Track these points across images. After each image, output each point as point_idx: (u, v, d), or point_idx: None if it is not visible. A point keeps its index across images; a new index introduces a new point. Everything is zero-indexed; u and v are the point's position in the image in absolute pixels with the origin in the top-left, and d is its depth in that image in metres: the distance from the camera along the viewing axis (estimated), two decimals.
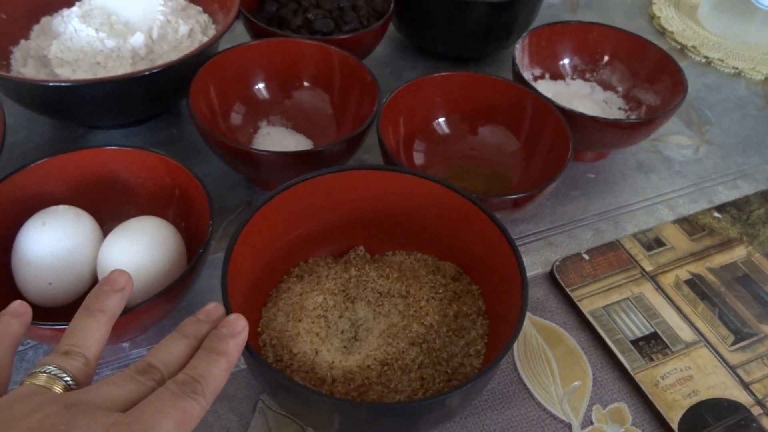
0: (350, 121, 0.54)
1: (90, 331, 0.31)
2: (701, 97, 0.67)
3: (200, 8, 0.61)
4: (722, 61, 0.70)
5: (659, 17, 0.76)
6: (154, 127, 0.58)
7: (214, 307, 0.33)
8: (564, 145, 0.49)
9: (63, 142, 0.56)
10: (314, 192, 0.42)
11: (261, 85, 0.56)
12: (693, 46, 0.72)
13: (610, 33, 0.61)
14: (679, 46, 0.73)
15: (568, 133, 0.49)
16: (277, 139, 0.55)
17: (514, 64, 0.56)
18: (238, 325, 0.32)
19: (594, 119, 0.51)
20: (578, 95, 0.62)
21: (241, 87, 0.55)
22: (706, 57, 0.71)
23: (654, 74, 0.59)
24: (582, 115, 0.51)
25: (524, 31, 0.66)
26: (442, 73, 0.53)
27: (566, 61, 0.63)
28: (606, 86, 0.62)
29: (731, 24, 0.72)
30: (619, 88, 0.62)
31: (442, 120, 0.55)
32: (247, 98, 0.55)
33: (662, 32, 0.75)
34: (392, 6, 0.60)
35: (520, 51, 0.58)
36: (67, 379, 0.28)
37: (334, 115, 0.56)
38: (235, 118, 0.55)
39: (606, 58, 0.62)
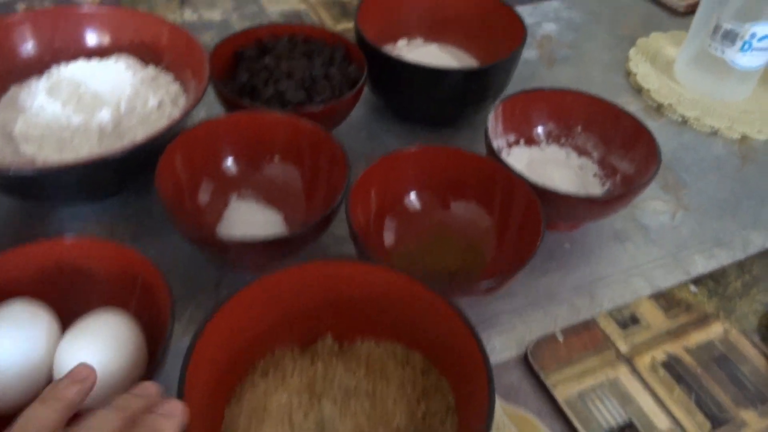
0: (321, 195, 0.54)
1: (41, 419, 0.29)
2: (678, 157, 0.67)
3: (172, 76, 0.61)
4: (698, 119, 0.70)
5: (635, 74, 0.76)
6: (123, 200, 0.57)
7: (150, 385, 0.33)
8: (536, 223, 0.48)
9: (27, 217, 0.54)
10: (283, 283, 0.41)
11: (230, 160, 0.55)
12: (669, 105, 0.72)
13: (583, 100, 0.60)
14: (655, 105, 0.73)
15: (540, 214, 0.48)
16: (247, 214, 0.54)
17: (486, 136, 0.56)
18: (176, 407, 0.31)
19: (566, 197, 0.51)
20: (553, 161, 0.62)
21: (211, 162, 0.54)
22: (682, 116, 0.71)
23: (628, 142, 0.58)
24: (554, 193, 0.50)
25: (500, 93, 0.66)
26: (412, 149, 0.53)
27: (541, 127, 0.62)
28: (581, 152, 0.62)
29: (707, 81, 0.72)
30: (594, 154, 0.61)
31: (413, 195, 0.54)
32: (217, 173, 0.54)
33: (639, 90, 0.75)
34: (365, 73, 0.60)
35: (492, 120, 0.58)
36: None
37: (305, 189, 0.55)
38: (204, 194, 0.54)
39: (580, 124, 0.61)
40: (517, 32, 0.65)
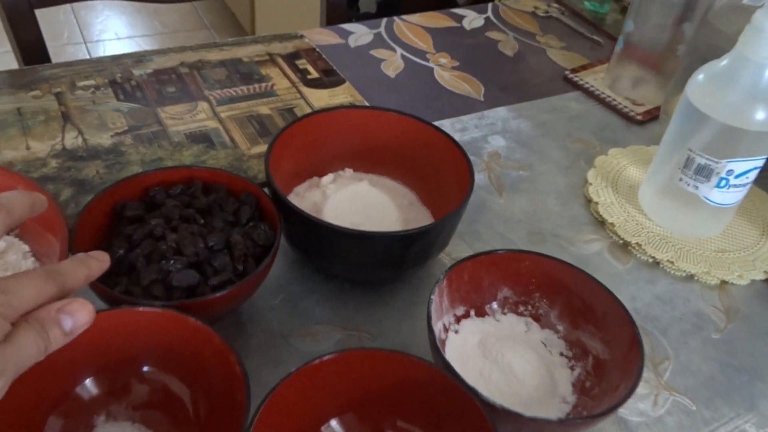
0: (216, 420, 0.41)
1: None
2: (653, 315, 0.57)
3: (26, 248, 0.47)
4: (672, 263, 0.61)
5: (596, 203, 0.67)
6: None
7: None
8: None
9: None
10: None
11: (88, 382, 0.42)
12: (637, 243, 0.62)
13: (543, 264, 0.50)
14: (621, 242, 0.63)
15: None
16: None
17: (429, 322, 0.44)
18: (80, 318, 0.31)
19: (532, 420, 0.39)
20: (511, 337, 0.51)
21: (59, 388, 0.41)
22: (653, 257, 0.62)
23: (600, 319, 0.48)
24: (518, 415, 0.39)
25: (445, 246, 0.55)
26: (332, 357, 0.40)
27: (495, 295, 0.51)
28: (544, 324, 0.51)
29: (678, 216, 0.63)
30: (560, 327, 0.51)
31: (335, 423, 0.42)
32: (67, 401, 0.41)
33: (602, 221, 0.66)
34: (278, 239, 0.48)
35: (437, 299, 0.46)
36: None
37: (193, 410, 0.42)
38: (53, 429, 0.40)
39: (540, 292, 0.51)
40: (461, 165, 0.55)
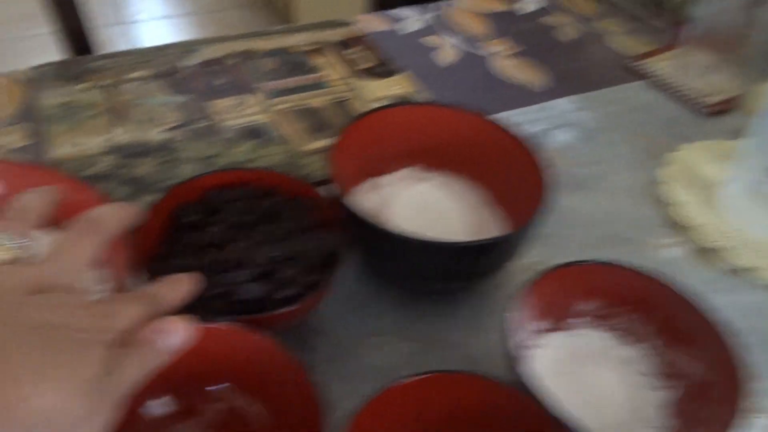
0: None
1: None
2: (739, 329, 0.53)
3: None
4: (762, 271, 0.57)
5: (671, 205, 0.62)
6: None
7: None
8: None
9: None
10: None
11: (152, 403, 0.39)
12: (720, 249, 0.58)
13: (630, 276, 0.46)
14: (701, 247, 0.59)
15: None
16: None
17: (506, 341, 0.41)
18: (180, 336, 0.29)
19: None
20: (593, 353, 0.47)
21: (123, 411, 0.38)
22: (739, 264, 0.57)
23: (695, 337, 0.44)
24: None
25: (517, 256, 0.51)
26: (412, 381, 0.38)
27: (576, 308, 0.48)
28: (630, 340, 0.48)
29: (766, 219, 0.59)
30: (648, 345, 0.47)
31: None
32: (133, 424, 0.39)
33: (678, 224, 0.61)
34: (345, 247, 0.45)
35: (513, 315, 0.43)
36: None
37: (268, 427, 0.40)
38: None
39: (628, 306, 0.47)
40: (528, 163, 0.52)
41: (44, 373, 0.24)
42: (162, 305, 0.31)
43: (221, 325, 0.39)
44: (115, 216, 0.31)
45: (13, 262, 0.28)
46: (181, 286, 0.33)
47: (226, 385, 0.41)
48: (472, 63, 0.81)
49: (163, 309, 0.31)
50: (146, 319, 0.29)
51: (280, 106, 0.69)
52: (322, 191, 0.49)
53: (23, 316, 0.25)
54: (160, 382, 0.39)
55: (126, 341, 0.28)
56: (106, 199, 0.45)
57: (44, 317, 0.25)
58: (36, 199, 0.31)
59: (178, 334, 0.30)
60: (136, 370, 0.28)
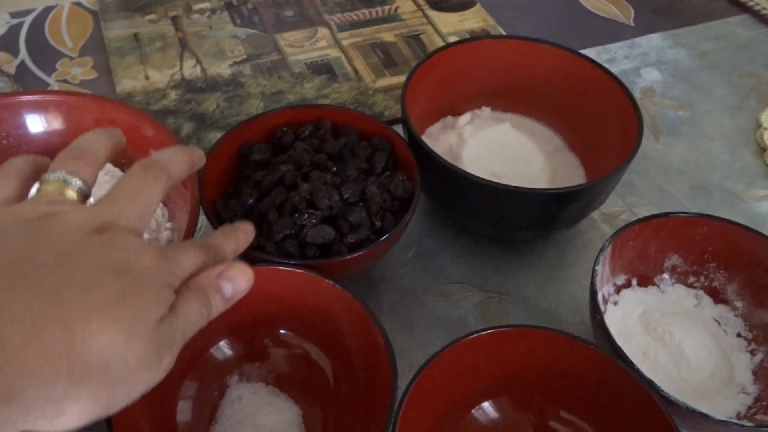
0: (357, 395, 0.38)
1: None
2: None
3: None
4: None
5: None
6: None
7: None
8: None
9: None
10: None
11: (222, 343, 0.39)
12: None
13: (724, 230, 0.43)
14: None
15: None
16: (251, 408, 0.39)
17: (593, 297, 0.38)
18: (241, 283, 0.29)
19: (724, 423, 0.34)
20: (678, 312, 0.44)
21: (194, 350, 0.38)
22: None
23: None
24: (692, 411, 0.33)
25: (600, 205, 0.48)
26: (485, 334, 0.36)
27: (662, 263, 0.45)
28: (719, 298, 0.44)
29: None
30: (738, 304, 0.44)
31: (487, 405, 0.38)
32: (202, 363, 0.39)
33: None
34: (418, 192, 0.43)
35: (600, 269, 0.40)
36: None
37: (335, 381, 0.39)
38: (189, 389, 0.38)
39: (716, 261, 0.44)
40: (620, 104, 0.48)
41: (110, 312, 0.23)
42: (222, 254, 0.30)
43: (289, 269, 0.38)
44: (181, 159, 0.30)
45: (78, 201, 0.27)
46: (236, 236, 0.32)
47: (292, 329, 0.40)
48: None
49: (223, 257, 0.30)
50: (207, 265, 0.29)
51: (351, 41, 0.66)
52: (400, 135, 0.46)
53: (87, 256, 0.24)
54: (229, 322, 0.39)
55: (190, 284, 0.27)
56: (173, 136, 0.44)
57: (109, 257, 0.25)
58: (101, 140, 0.30)
59: (239, 281, 0.29)
60: (197, 316, 0.27)
